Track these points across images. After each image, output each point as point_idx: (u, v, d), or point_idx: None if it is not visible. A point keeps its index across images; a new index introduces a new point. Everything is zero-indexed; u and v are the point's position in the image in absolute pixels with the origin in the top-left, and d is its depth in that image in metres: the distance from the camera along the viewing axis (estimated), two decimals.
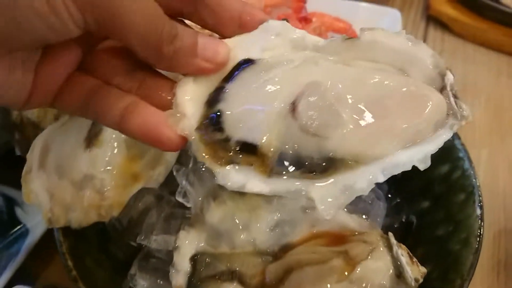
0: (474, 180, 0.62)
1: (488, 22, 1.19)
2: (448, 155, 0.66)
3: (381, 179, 0.42)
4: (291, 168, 0.43)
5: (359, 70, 0.47)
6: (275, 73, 0.46)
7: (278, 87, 0.45)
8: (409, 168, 0.42)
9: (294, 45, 0.48)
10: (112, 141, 0.64)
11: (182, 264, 0.50)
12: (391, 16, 1.11)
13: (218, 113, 0.44)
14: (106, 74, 0.46)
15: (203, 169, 0.57)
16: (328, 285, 0.50)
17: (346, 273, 0.51)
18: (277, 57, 0.47)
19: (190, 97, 0.45)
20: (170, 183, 0.62)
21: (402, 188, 0.69)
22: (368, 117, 0.43)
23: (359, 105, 0.44)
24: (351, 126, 0.43)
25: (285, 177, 0.42)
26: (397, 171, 0.42)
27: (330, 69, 0.46)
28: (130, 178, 0.63)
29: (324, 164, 0.42)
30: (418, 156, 0.42)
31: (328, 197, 0.41)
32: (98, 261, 0.60)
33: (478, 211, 0.59)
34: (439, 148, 0.65)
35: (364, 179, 0.41)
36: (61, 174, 0.59)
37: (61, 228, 0.57)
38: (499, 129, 1.04)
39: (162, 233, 0.58)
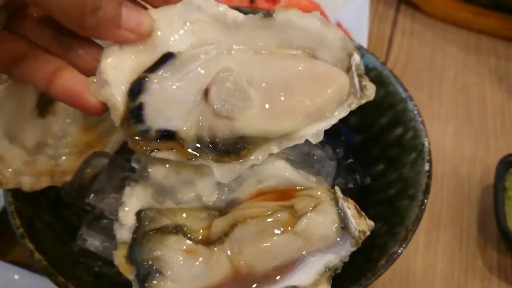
0: (424, 138, 0.63)
1: (458, 1, 1.21)
2: (402, 117, 0.67)
3: (276, 150, 0.49)
4: (208, 150, 0.48)
5: (269, 56, 0.51)
6: (192, 67, 0.50)
7: (194, 79, 0.50)
8: (302, 141, 0.49)
9: (216, 20, 0.52)
10: (68, 111, 0.64)
11: (126, 219, 0.51)
12: None
13: (139, 106, 0.48)
14: (33, 37, 0.48)
15: None
16: (273, 237, 0.51)
17: (290, 226, 0.52)
18: (196, 49, 0.51)
19: (114, 66, 0.48)
20: (126, 152, 0.63)
21: (360, 154, 0.71)
22: (276, 98, 0.49)
23: (268, 88, 0.49)
24: (259, 107, 0.49)
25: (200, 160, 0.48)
26: (291, 144, 0.49)
27: (242, 58, 0.51)
28: (85, 146, 0.64)
29: (238, 144, 0.48)
30: (312, 131, 0.49)
31: (225, 169, 0.48)
32: (49, 224, 0.60)
33: (427, 167, 0.60)
34: (394, 112, 0.66)
35: (260, 151, 0.49)
36: (12, 139, 0.60)
37: (11, 190, 0.57)
38: (465, 103, 1.06)
39: (114, 193, 0.58)
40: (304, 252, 0.50)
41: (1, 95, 0.58)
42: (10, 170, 0.58)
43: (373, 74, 0.72)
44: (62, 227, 0.61)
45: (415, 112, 0.66)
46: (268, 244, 0.50)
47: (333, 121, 0.50)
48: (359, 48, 0.74)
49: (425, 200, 0.57)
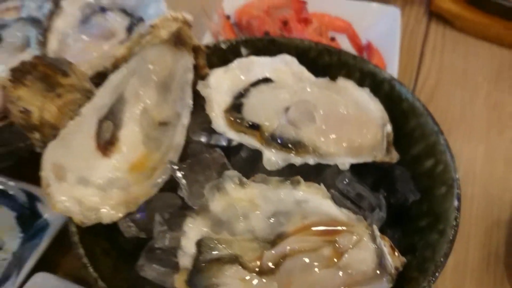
0: (454, 173, 0.70)
1: (490, 16, 1.27)
2: (433, 150, 0.75)
3: (311, 162, 0.69)
4: (275, 142, 0.71)
5: (333, 96, 0.77)
6: (282, 90, 0.77)
7: (282, 97, 0.76)
8: (331, 163, 0.69)
9: (294, 74, 0.81)
10: (129, 144, 0.76)
11: (188, 247, 0.61)
12: (391, 14, 1.20)
13: (240, 104, 0.76)
14: None
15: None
16: (319, 271, 0.61)
17: (334, 260, 0.61)
18: (285, 83, 0.79)
19: (218, 78, 0.78)
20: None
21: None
22: (331, 128, 0.73)
23: (328, 117, 0.74)
24: (319, 127, 0.73)
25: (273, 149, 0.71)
26: (324, 162, 0.70)
27: (316, 93, 0.77)
28: (150, 170, 0.74)
29: (294, 145, 0.71)
30: (344, 161, 0.70)
31: (273, 157, 0.69)
32: (106, 250, 0.70)
33: (456, 203, 0.68)
34: (425, 144, 0.76)
35: (299, 159, 0.69)
36: (86, 184, 0.70)
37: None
38: (497, 124, 1.11)
39: (169, 231, 0.67)
40: (345, 287, 0.60)
41: (59, 147, 0.69)
42: (89, 209, 0.67)
43: (405, 105, 0.80)
44: (117, 253, 0.70)
45: (446, 146, 0.73)
46: (314, 277, 0.60)
47: (361, 161, 0.71)
48: (394, 80, 0.83)
49: (454, 237, 0.64)
